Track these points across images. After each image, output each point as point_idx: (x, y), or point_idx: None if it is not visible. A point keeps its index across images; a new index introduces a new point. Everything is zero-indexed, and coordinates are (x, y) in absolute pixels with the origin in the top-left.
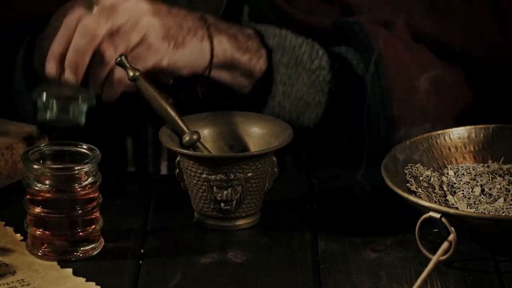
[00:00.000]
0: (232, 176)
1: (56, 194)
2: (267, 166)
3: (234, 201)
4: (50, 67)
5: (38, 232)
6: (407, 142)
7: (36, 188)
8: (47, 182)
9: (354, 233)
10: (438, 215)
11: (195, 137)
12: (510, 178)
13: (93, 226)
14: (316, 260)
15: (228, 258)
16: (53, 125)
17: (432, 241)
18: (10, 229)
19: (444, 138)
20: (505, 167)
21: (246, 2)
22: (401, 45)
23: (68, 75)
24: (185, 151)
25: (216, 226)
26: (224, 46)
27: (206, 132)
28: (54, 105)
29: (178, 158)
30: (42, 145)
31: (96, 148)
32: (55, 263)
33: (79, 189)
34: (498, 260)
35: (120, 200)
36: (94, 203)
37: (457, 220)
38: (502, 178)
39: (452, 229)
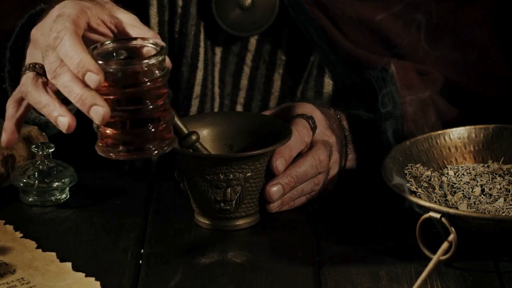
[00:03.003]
0: (231, 176)
1: (124, 90)
2: (267, 166)
3: (234, 201)
4: (280, 165)
5: (109, 132)
6: (407, 142)
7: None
8: (113, 79)
9: (354, 233)
10: (438, 215)
11: (194, 137)
12: (510, 178)
13: (165, 120)
14: (316, 260)
15: (228, 258)
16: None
17: (432, 241)
18: (10, 227)
19: (444, 138)
20: (505, 167)
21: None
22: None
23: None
24: (184, 151)
25: (216, 226)
26: (334, 161)
27: (205, 132)
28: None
29: (178, 158)
30: (107, 43)
31: (162, 42)
32: (55, 257)
33: (148, 84)
34: (498, 260)
35: (120, 199)
36: (165, 97)
37: (457, 220)
38: (502, 178)
39: (452, 229)
